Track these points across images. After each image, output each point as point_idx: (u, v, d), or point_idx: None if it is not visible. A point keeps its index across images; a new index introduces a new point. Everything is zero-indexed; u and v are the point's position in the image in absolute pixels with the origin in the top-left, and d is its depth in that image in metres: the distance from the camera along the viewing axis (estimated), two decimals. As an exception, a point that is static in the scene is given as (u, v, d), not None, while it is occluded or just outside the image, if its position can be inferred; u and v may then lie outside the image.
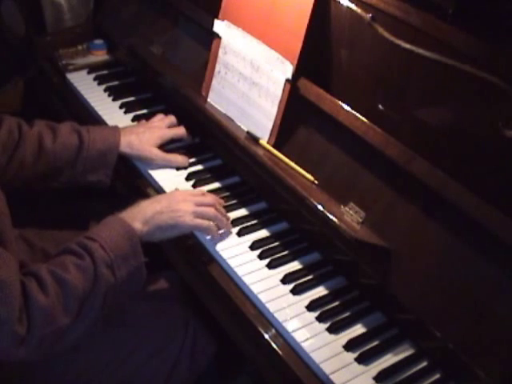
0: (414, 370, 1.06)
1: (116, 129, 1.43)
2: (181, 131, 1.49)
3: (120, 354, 1.23)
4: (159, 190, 1.37)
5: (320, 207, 1.12)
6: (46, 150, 1.33)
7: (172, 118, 1.51)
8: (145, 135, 1.42)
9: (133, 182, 1.43)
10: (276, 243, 1.25)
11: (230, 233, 1.25)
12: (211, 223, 1.21)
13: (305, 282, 1.17)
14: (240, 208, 1.33)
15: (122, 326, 1.24)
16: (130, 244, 1.10)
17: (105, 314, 1.08)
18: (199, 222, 1.20)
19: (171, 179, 1.39)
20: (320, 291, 1.17)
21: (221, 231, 1.24)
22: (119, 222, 1.13)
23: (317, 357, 1.04)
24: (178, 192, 1.27)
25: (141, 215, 1.15)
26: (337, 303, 1.14)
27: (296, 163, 1.26)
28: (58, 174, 1.36)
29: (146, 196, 1.36)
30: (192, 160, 1.45)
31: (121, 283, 1.08)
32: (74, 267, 1.03)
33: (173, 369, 1.28)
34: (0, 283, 0.94)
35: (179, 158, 1.43)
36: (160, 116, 1.52)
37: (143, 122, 1.52)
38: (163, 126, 1.47)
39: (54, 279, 1.01)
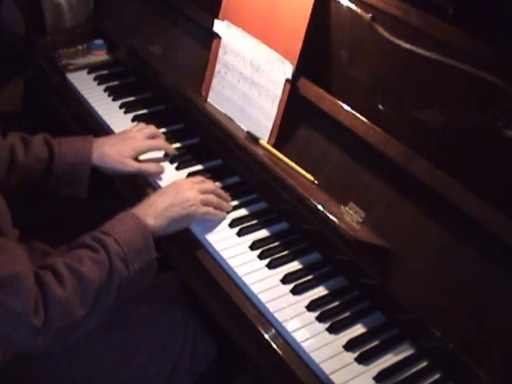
0: (414, 370, 1.06)
1: (88, 141, 1.36)
2: (159, 143, 1.42)
3: (120, 356, 1.23)
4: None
5: (320, 207, 1.12)
6: (17, 162, 1.29)
7: (152, 129, 1.44)
8: (117, 146, 1.36)
9: (132, 181, 1.43)
10: (276, 243, 1.25)
11: (230, 208, 1.31)
12: (217, 210, 1.26)
13: (305, 282, 1.17)
14: (240, 208, 1.33)
15: (123, 327, 1.24)
16: (143, 239, 1.12)
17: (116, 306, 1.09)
18: (207, 209, 1.24)
19: (171, 179, 1.39)
20: (320, 291, 1.17)
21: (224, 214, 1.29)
22: (132, 218, 1.15)
23: (317, 357, 1.04)
24: (182, 181, 1.28)
25: (152, 210, 1.17)
26: (337, 303, 1.14)
27: (296, 163, 1.26)
28: (32, 188, 1.34)
29: (145, 196, 1.36)
30: (192, 160, 1.45)
31: (134, 276, 1.10)
32: (89, 260, 1.05)
33: (173, 370, 1.28)
34: (13, 277, 0.95)
35: (152, 166, 1.38)
36: (139, 126, 1.45)
37: (121, 132, 1.46)
38: (140, 137, 1.40)
39: (71, 272, 1.02)
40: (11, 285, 0.95)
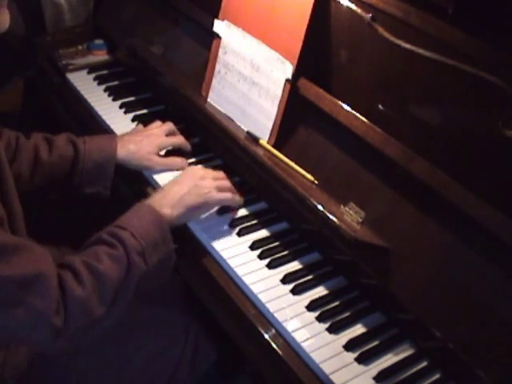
0: (414, 370, 1.06)
1: (113, 138, 1.38)
2: (179, 140, 1.44)
3: (120, 358, 1.23)
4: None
5: (320, 207, 1.12)
6: (41, 162, 1.31)
7: (170, 125, 1.46)
8: (143, 143, 1.38)
9: (132, 181, 1.43)
10: (276, 243, 1.25)
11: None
12: (233, 195, 1.27)
13: (305, 282, 1.17)
14: (240, 208, 1.33)
15: (123, 329, 1.24)
16: (159, 231, 1.11)
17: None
18: (223, 195, 1.24)
19: (171, 179, 1.39)
20: (320, 291, 1.17)
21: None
22: (148, 210, 1.14)
23: (317, 357, 1.04)
24: (195, 169, 1.29)
25: (167, 200, 1.17)
26: (337, 303, 1.14)
27: (296, 163, 1.26)
28: (55, 187, 1.35)
29: (145, 195, 1.36)
30: (192, 160, 1.45)
31: (152, 270, 1.09)
32: (107, 257, 1.04)
33: (173, 373, 1.27)
34: (39, 276, 0.95)
35: (178, 161, 1.41)
36: (158, 123, 1.47)
37: (140, 128, 1.49)
38: (161, 134, 1.42)
39: (89, 270, 1.01)
40: (34, 284, 0.94)
